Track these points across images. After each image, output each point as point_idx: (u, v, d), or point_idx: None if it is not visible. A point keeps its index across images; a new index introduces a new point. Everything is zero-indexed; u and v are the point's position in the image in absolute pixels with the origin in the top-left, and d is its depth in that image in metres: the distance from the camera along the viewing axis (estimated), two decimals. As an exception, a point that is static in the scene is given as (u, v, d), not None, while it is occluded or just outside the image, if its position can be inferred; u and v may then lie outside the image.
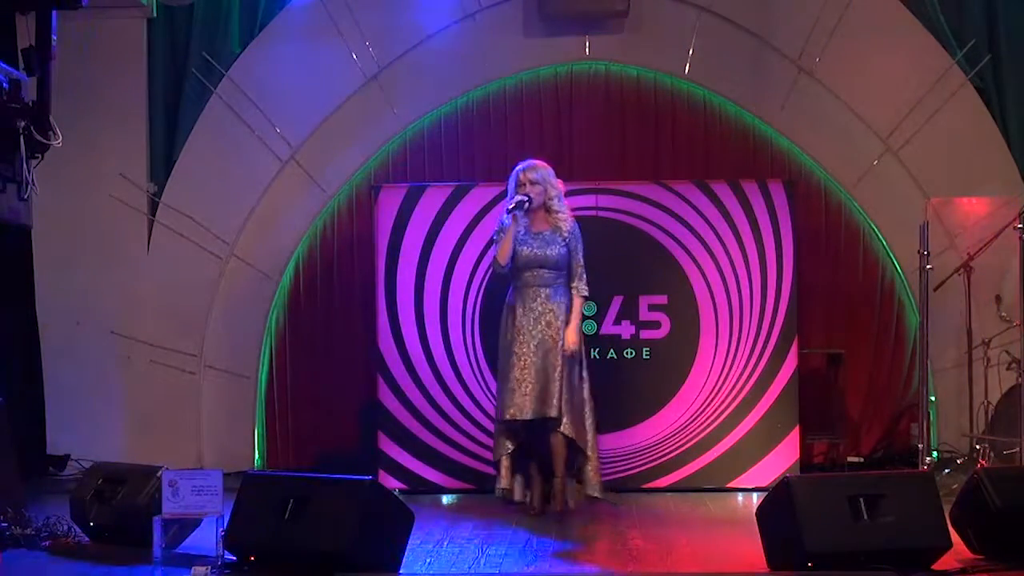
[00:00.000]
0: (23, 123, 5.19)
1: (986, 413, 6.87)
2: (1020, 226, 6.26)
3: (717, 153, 7.55)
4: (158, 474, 5.16)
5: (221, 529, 4.89)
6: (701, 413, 6.79)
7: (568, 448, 5.98)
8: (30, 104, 5.28)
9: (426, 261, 6.86)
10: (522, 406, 5.85)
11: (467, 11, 7.55)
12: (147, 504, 5.15)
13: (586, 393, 6.06)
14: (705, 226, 6.84)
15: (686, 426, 6.79)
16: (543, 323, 5.94)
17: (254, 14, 7.67)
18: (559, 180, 6.13)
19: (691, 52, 7.47)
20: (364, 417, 7.26)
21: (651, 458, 6.80)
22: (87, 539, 5.42)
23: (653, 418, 6.80)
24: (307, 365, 7.63)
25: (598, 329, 6.79)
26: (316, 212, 7.64)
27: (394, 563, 4.76)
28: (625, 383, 6.78)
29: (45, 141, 5.29)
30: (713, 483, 6.77)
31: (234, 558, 4.86)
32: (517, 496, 6.08)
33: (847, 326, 7.51)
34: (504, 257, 5.97)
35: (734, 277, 6.83)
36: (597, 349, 6.75)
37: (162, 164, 7.71)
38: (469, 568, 4.97)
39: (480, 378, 6.81)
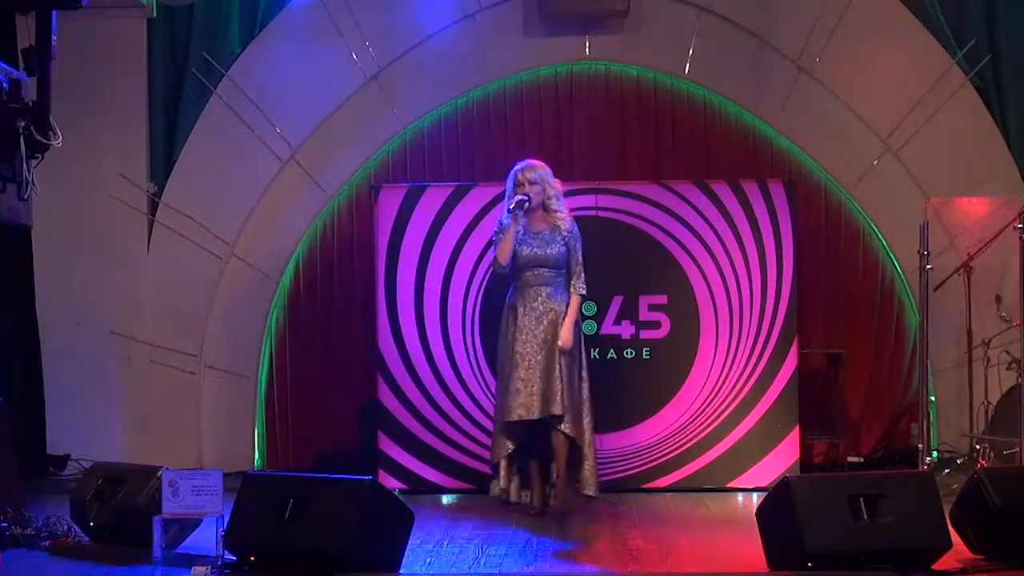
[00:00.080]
0: (23, 123, 5.18)
1: (986, 413, 6.87)
2: (1020, 226, 6.26)
3: (717, 153, 7.55)
4: (158, 474, 5.16)
5: (221, 529, 4.89)
6: (701, 413, 6.79)
7: (567, 447, 5.98)
8: (30, 104, 5.27)
9: (426, 261, 6.86)
10: (529, 406, 5.85)
11: (467, 11, 7.55)
12: (147, 504, 5.16)
13: (585, 393, 6.06)
14: (705, 226, 6.84)
15: (686, 426, 6.79)
16: (545, 322, 5.94)
17: (254, 14, 7.67)
18: (557, 180, 6.13)
19: (691, 52, 7.47)
20: (364, 417, 7.26)
21: (651, 458, 6.80)
22: (87, 539, 5.42)
23: (653, 418, 6.80)
24: (307, 365, 7.63)
25: (598, 329, 6.79)
26: (316, 212, 7.64)
27: (394, 563, 4.76)
28: (625, 383, 6.78)
29: (45, 141, 5.28)
30: (713, 483, 6.77)
31: (234, 558, 4.86)
32: (514, 497, 6.09)
33: (847, 326, 7.51)
34: (504, 257, 5.97)
35: (734, 277, 6.83)
36: (597, 349, 6.75)
37: (162, 164, 7.71)
38: (469, 568, 4.97)
39: (480, 378, 6.81)
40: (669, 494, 6.68)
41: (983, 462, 6.44)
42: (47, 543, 5.34)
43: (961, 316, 6.96)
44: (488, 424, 6.52)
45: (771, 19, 7.49)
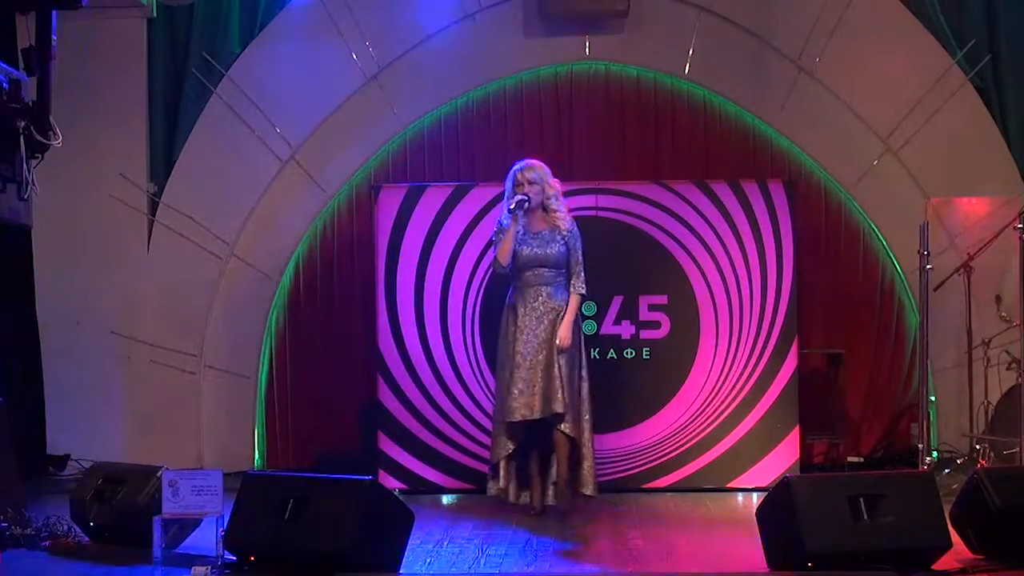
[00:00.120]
0: (23, 123, 5.19)
1: (986, 413, 6.88)
2: (1020, 226, 6.27)
3: (717, 153, 7.55)
4: (158, 474, 5.17)
5: (221, 529, 4.90)
6: (701, 413, 6.79)
7: (569, 447, 5.98)
8: (30, 104, 5.27)
9: (426, 261, 6.86)
10: (532, 406, 5.85)
11: (467, 11, 7.55)
12: (147, 504, 5.16)
13: (585, 392, 6.06)
14: (705, 226, 6.84)
15: (686, 426, 6.79)
16: (546, 322, 5.94)
17: (254, 14, 7.67)
18: (556, 179, 6.13)
19: (691, 52, 7.47)
20: (364, 417, 7.26)
21: (651, 458, 6.80)
22: (87, 539, 5.42)
23: (653, 418, 6.80)
24: (307, 365, 7.63)
25: (598, 329, 6.79)
26: (316, 212, 7.64)
27: (394, 563, 4.76)
28: (625, 383, 6.78)
29: (45, 141, 5.28)
30: (713, 483, 6.77)
31: (234, 558, 4.86)
32: (512, 498, 6.08)
33: (847, 326, 7.51)
34: (505, 257, 5.98)
35: (734, 277, 6.83)
36: (597, 349, 6.75)
37: (162, 164, 7.71)
38: (469, 568, 4.97)
39: (480, 378, 6.81)
40: (669, 494, 6.68)
41: (983, 462, 6.44)
42: (47, 543, 5.34)
43: (961, 316, 6.96)
44: (488, 424, 6.52)
45: (771, 19, 7.49)
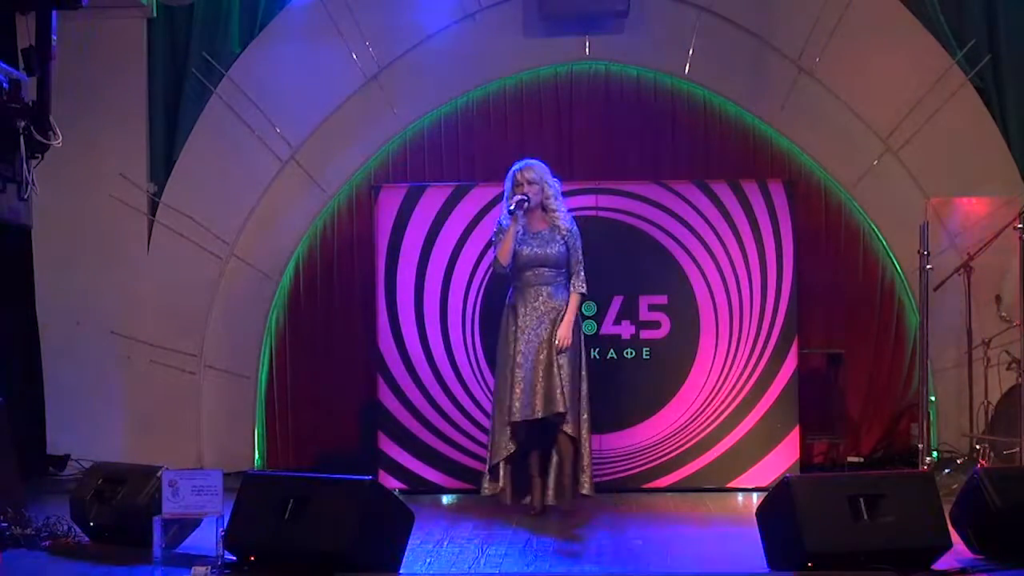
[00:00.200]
0: (23, 123, 5.19)
1: (986, 413, 6.88)
2: (1020, 226, 6.27)
3: (717, 153, 7.55)
4: (158, 474, 5.16)
5: (221, 529, 4.89)
6: (701, 413, 6.79)
7: (570, 447, 5.98)
8: (30, 104, 5.27)
9: (426, 261, 6.86)
10: (534, 406, 5.85)
11: (467, 11, 7.55)
12: (147, 504, 5.16)
13: (584, 391, 6.06)
14: (705, 226, 6.84)
15: (686, 426, 6.79)
16: (546, 322, 5.94)
17: (254, 14, 7.67)
18: (556, 179, 6.13)
19: (691, 52, 7.47)
20: (364, 417, 7.26)
21: (651, 458, 6.80)
22: (87, 539, 5.42)
23: (653, 418, 6.80)
24: (307, 365, 7.63)
25: (598, 329, 6.79)
26: (316, 212, 7.64)
27: (394, 563, 4.76)
28: (625, 383, 6.78)
29: (45, 141, 5.28)
30: (713, 483, 6.77)
31: (234, 558, 4.86)
32: (509, 499, 6.07)
33: (847, 326, 7.51)
34: (505, 257, 5.97)
35: (734, 277, 6.83)
36: (597, 349, 6.75)
37: (162, 164, 7.71)
38: (469, 568, 4.97)
39: (480, 378, 6.81)
40: (669, 494, 6.68)
41: (983, 462, 6.44)
42: (47, 543, 5.34)
43: (961, 316, 6.96)
44: (488, 424, 6.51)
45: (771, 19, 7.49)
